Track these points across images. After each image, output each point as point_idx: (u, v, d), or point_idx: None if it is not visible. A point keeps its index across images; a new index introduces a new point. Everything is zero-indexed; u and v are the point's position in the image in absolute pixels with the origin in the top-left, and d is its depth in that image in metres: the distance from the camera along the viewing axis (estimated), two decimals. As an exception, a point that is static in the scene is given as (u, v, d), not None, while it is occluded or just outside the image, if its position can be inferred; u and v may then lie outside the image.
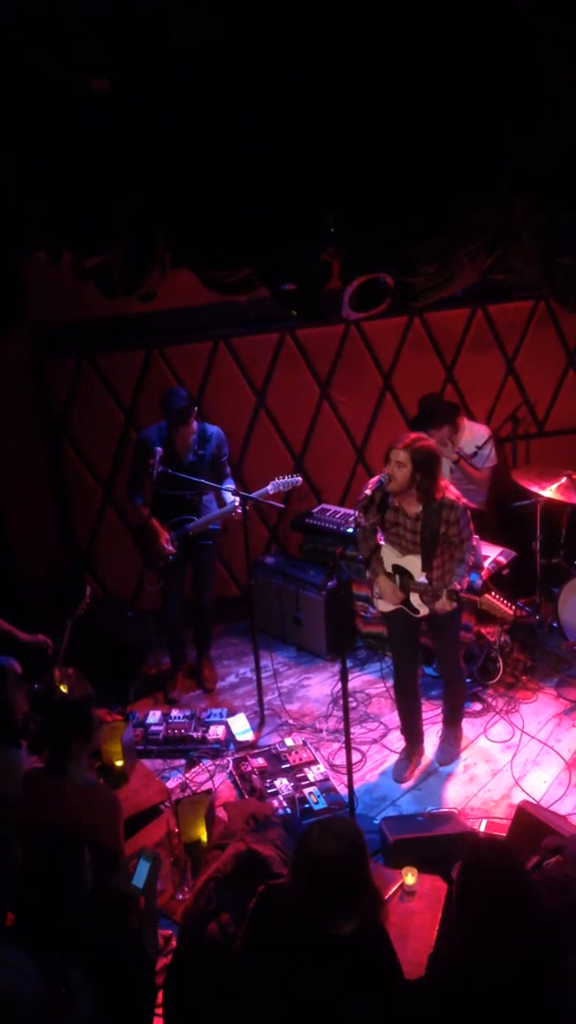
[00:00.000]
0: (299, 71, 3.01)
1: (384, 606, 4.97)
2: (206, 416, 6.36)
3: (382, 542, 4.90)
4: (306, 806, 4.89)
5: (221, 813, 4.48)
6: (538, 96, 3.05)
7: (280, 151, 3.16)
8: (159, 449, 5.51)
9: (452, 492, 4.66)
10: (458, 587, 4.59)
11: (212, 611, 6.21)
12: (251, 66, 3.02)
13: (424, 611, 4.81)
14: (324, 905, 2.69)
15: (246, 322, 6.49)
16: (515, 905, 2.67)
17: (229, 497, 5.70)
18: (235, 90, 3.06)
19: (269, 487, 5.57)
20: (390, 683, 5.98)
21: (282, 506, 5.85)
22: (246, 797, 4.98)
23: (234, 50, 2.98)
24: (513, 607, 4.59)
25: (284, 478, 5.61)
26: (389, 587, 4.84)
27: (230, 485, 5.74)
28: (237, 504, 5.57)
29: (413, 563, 4.75)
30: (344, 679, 4.61)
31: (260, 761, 5.28)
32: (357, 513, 5.01)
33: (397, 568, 4.82)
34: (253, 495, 5.57)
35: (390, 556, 4.85)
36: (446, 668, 5.27)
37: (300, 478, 5.70)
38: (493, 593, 4.51)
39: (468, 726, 5.50)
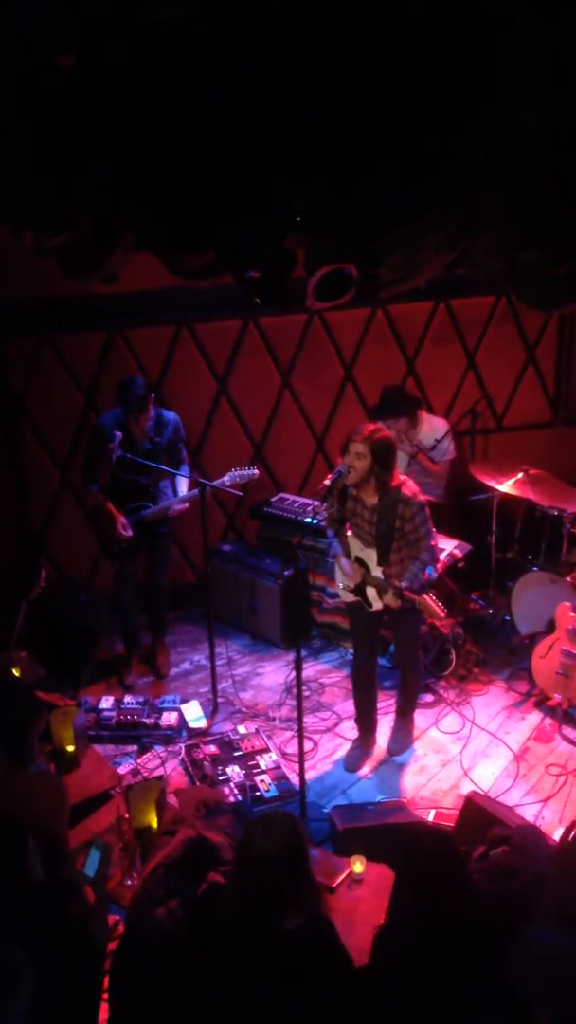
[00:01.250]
0: (272, 56, 2.99)
1: (347, 596, 5.00)
2: (166, 401, 6.33)
3: (349, 532, 4.92)
4: (257, 794, 4.91)
5: (172, 799, 4.48)
6: (503, 88, 3.06)
7: (249, 135, 3.14)
8: (118, 433, 5.47)
9: (410, 487, 4.68)
10: (401, 585, 4.62)
11: (167, 597, 6.19)
12: (223, 48, 2.99)
13: (377, 605, 4.85)
14: (268, 901, 2.70)
15: (209, 308, 6.46)
16: (454, 890, 2.70)
17: (182, 488, 5.70)
18: (206, 72, 3.03)
19: (226, 478, 5.56)
20: (344, 673, 6.02)
21: (240, 494, 5.84)
22: (197, 784, 4.98)
23: (206, 30, 2.95)
24: (446, 611, 4.65)
25: (241, 470, 5.60)
26: (347, 566, 4.86)
27: (186, 472, 5.73)
28: (195, 494, 5.56)
29: (371, 556, 4.77)
30: (298, 668, 4.63)
31: (212, 748, 5.28)
32: (318, 503, 5.03)
33: (358, 559, 4.84)
34: (209, 484, 5.55)
35: (355, 547, 4.88)
36: (404, 659, 5.31)
37: (257, 471, 5.70)
38: (430, 594, 4.56)
39: (420, 717, 5.55)
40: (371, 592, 4.85)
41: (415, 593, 4.58)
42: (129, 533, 5.65)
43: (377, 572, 4.77)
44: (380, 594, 4.78)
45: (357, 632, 5.24)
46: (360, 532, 4.81)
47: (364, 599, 4.89)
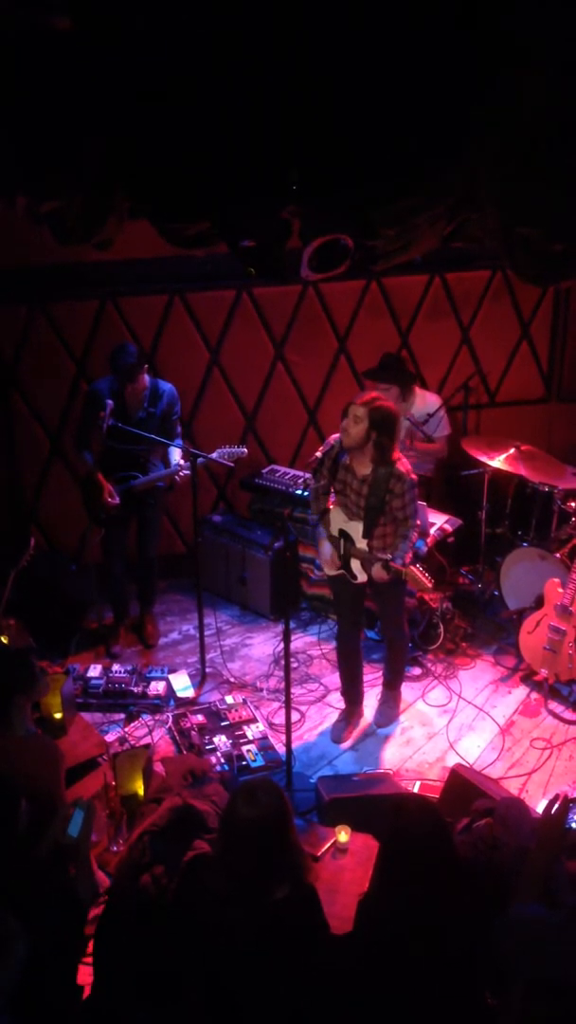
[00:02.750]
0: (266, 25, 2.95)
1: (330, 569, 5.01)
2: (159, 371, 6.29)
3: (332, 506, 4.92)
4: (244, 763, 4.94)
5: (159, 768, 4.50)
6: (504, 64, 3.04)
7: (245, 104, 3.11)
8: (110, 402, 5.44)
9: (405, 464, 4.67)
10: (387, 557, 4.63)
11: (156, 567, 6.19)
12: (222, 16, 2.95)
13: (362, 577, 4.85)
14: (255, 868, 2.72)
15: (203, 277, 6.41)
16: (438, 859, 2.73)
17: (175, 458, 5.67)
18: (204, 40, 2.99)
19: (215, 454, 5.53)
20: (332, 645, 6.04)
21: (232, 465, 5.83)
22: (184, 753, 5.01)
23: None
24: (433, 581, 4.66)
25: (230, 447, 5.57)
26: (328, 551, 4.88)
27: (179, 444, 5.70)
28: (184, 467, 5.53)
29: (357, 528, 4.77)
30: (287, 639, 4.64)
31: (200, 718, 5.30)
32: (309, 475, 5.02)
33: (342, 532, 4.84)
34: (203, 456, 5.52)
35: (338, 519, 4.87)
36: (389, 632, 5.33)
37: (246, 449, 5.67)
38: (418, 565, 4.57)
39: (407, 690, 5.58)
40: (355, 565, 4.85)
41: (402, 565, 4.59)
42: (116, 500, 5.63)
43: (362, 545, 4.77)
44: (365, 566, 4.78)
45: (340, 605, 5.25)
46: (347, 503, 4.80)
47: (349, 572, 4.89)
